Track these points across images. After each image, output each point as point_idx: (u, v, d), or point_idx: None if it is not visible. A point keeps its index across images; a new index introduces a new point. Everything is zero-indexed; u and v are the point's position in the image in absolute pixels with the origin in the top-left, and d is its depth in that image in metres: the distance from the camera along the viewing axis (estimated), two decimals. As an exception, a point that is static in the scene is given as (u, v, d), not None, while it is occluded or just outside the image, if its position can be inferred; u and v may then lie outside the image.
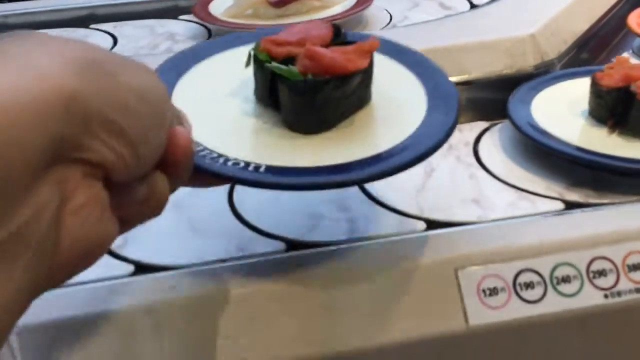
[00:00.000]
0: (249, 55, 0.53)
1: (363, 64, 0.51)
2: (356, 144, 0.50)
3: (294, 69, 0.51)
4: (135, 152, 0.32)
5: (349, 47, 0.52)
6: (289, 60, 0.51)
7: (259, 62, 0.53)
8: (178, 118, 0.39)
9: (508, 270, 0.49)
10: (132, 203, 0.35)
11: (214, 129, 0.51)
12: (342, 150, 0.49)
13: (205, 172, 0.44)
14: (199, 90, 0.55)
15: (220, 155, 0.47)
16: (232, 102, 0.54)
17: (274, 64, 0.51)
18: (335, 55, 0.51)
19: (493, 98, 0.73)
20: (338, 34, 0.55)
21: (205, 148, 0.47)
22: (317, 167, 0.48)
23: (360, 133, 0.52)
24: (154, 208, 0.37)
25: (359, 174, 0.47)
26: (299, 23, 0.57)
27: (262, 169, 0.46)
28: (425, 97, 0.54)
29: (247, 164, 0.46)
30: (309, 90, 0.50)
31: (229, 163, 0.46)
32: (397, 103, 0.54)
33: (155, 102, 0.34)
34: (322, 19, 0.65)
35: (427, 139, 0.48)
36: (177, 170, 0.37)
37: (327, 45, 0.53)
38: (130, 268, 0.51)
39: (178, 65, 0.56)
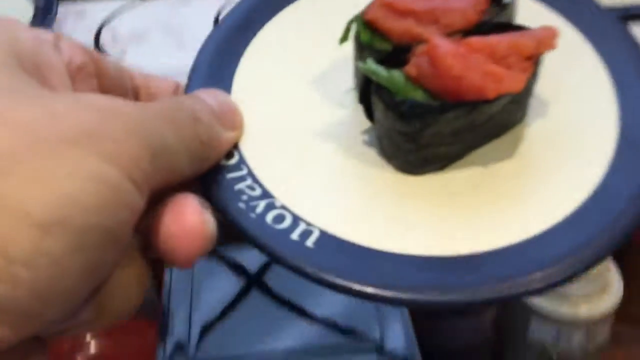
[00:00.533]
0: (347, 27, 0.43)
1: (517, 84, 0.37)
2: (489, 210, 0.37)
3: (399, 75, 0.38)
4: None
5: (505, 41, 0.37)
6: (406, 48, 0.39)
7: (360, 44, 0.42)
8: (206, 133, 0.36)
9: None
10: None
11: (272, 155, 0.41)
12: (462, 222, 0.36)
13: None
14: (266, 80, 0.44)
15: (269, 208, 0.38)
16: (313, 103, 0.44)
17: (369, 63, 0.38)
18: (471, 69, 0.37)
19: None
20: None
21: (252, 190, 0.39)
22: (413, 256, 0.35)
23: (497, 185, 0.39)
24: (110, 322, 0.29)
25: (489, 287, 0.32)
26: None
27: (311, 242, 0.36)
28: (615, 105, 0.40)
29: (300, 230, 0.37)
30: (415, 117, 0.38)
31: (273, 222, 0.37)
32: (567, 120, 0.41)
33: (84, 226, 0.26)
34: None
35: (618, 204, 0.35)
36: (172, 259, 0.32)
37: (471, 28, 0.39)
38: None
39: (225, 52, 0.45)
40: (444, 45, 0.39)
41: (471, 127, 0.40)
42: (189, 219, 0.33)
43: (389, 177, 0.41)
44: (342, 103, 0.44)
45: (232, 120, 0.42)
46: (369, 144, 0.43)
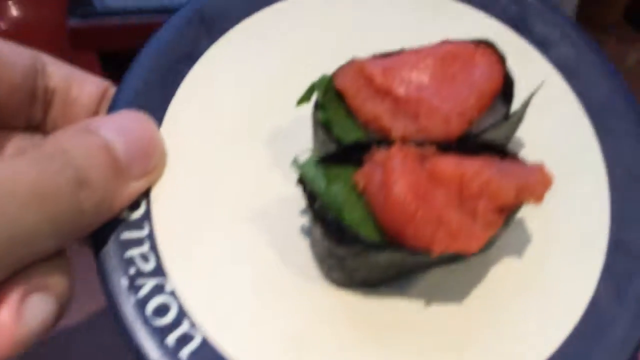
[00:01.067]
0: (309, 88, 0.35)
1: (472, 245, 0.30)
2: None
3: (339, 193, 0.31)
4: None
5: (482, 177, 0.30)
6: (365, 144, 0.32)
7: (321, 115, 0.34)
8: None
9: None
10: None
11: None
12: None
13: None
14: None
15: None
16: (257, 163, 0.36)
17: (308, 162, 0.31)
18: (425, 212, 0.29)
19: None
20: (508, 94, 0.34)
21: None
22: None
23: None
24: None
25: None
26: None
27: (186, 353, 0.31)
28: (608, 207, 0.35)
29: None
30: (343, 243, 0.31)
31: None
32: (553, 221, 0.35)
33: None
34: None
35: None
36: None
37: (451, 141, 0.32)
38: None
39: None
40: (403, 166, 0.31)
41: (413, 264, 0.33)
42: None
43: (317, 289, 0.35)
44: (288, 172, 0.37)
45: (143, 166, 0.35)
46: (305, 232, 0.36)
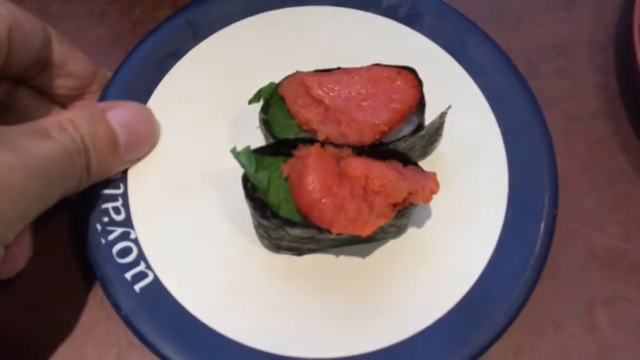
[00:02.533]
0: (258, 92, 0.44)
1: (365, 229, 0.38)
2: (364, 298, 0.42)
3: (264, 178, 0.40)
4: None
5: (382, 177, 0.39)
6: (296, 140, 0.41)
7: (264, 115, 0.43)
8: None
9: None
10: None
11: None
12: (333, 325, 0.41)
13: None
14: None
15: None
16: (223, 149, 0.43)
17: (243, 151, 0.40)
18: (329, 199, 0.38)
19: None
20: (420, 113, 0.42)
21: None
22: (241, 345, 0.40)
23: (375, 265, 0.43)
24: None
25: None
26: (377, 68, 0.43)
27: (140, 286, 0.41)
28: (506, 189, 0.44)
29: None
30: (266, 218, 0.39)
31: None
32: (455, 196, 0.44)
33: None
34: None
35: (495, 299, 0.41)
36: None
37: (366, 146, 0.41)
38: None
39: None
40: (317, 163, 0.39)
41: (326, 239, 0.41)
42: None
43: (250, 250, 0.43)
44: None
45: (135, 154, 0.44)
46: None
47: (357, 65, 0.44)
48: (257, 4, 0.50)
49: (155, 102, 0.47)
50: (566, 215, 0.48)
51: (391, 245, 0.44)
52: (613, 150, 0.50)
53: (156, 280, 0.42)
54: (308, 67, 0.44)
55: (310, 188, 0.38)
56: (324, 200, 0.38)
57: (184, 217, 0.44)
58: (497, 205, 0.44)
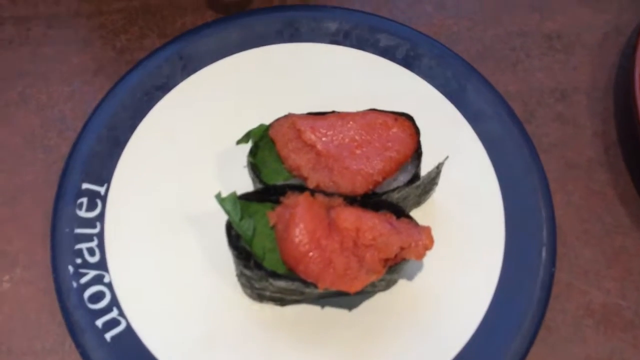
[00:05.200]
0: (247, 134, 0.42)
1: (353, 286, 0.36)
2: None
3: (249, 227, 0.38)
4: None
5: (374, 231, 0.37)
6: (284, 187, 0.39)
7: (252, 158, 0.41)
8: None
9: None
10: None
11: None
12: None
13: None
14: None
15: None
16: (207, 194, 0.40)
17: (229, 198, 0.38)
18: (317, 251, 0.36)
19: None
20: (417, 163, 0.41)
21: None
22: None
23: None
24: None
25: None
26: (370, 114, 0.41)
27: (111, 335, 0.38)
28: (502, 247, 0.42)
29: None
30: (249, 268, 0.37)
31: None
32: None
33: None
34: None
35: None
36: None
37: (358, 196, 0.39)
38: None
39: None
40: (306, 213, 0.37)
41: (312, 292, 0.39)
42: None
43: (231, 299, 0.41)
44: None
45: None
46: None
47: (352, 107, 0.42)
48: (252, 39, 0.48)
49: (139, 136, 0.45)
50: (561, 267, 0.46)
51: (380, 298, 0.42)
52: (611, 201, 0.48)
53: (129, 329, 0.40)
54: (301, 107, 0.42)
55: (297, 240, 0.36)
56: (311, 254, 0.36)
57: (163, 261, 0.42)
58: (492, 259, 0.42)
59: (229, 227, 0.38)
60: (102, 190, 0.43)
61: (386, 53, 0.48)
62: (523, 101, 0.51)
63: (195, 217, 0.43)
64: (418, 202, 0.43)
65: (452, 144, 0.44)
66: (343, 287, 0.36)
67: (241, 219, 0.38)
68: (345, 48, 0.48)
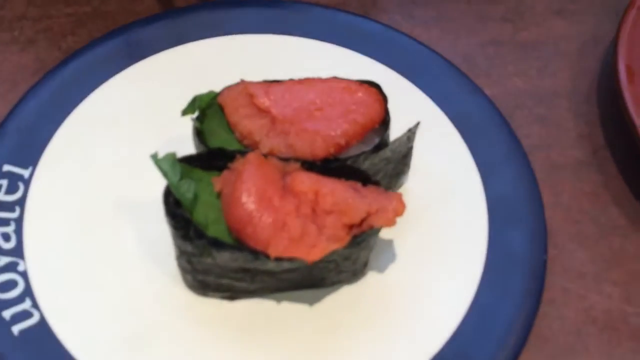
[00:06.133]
0: (192, 100, 0.36)
1: (311, 255, 0.30)
2: None
3: (189, 188, 0.32)
4: None
5: (336, 195, 0.31)
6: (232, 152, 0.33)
7: (198, 124, 0.35)
8: None
9: None
10: None
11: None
12: None
13: None
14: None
15: None
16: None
17: (165, 158, 0.32)
18: (267, 214, 0.30)
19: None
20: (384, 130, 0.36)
21: None
22: None
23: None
24: None
25: None
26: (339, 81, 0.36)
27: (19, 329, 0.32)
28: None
29: None
30: (188, 238, 0.31)
31: None
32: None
33: None
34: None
35: None
36: None
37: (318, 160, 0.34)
38: None
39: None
40: (255, 171, 0.32)
41: (265, 272, 0.33)
42: None
43: (166, 292, 0.35)
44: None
45: None
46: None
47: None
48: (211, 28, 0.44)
49: (74, 121, 0.40)
50: (555, 270, 0.40)
51: (346, 292, 0.36)
52: (604, 202, 0.43)
53: (42, 323, 0.33)
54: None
55: (244, 199, 0.31)
56: (260, 216, 0.31)
57: (90, 250, 0.36)
58: (474, 250, 0.37)
59: (167, 194, 0.33)
60: (25, 173, 0.38)
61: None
62: (499, 104, 0.47)
63: (130, 203, 0.38)
64: (389, 185, 0.38)
65: (423, 125, 0.39)
66: (299, 254, 0.30)
67: (180, 179, 0.32)
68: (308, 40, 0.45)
